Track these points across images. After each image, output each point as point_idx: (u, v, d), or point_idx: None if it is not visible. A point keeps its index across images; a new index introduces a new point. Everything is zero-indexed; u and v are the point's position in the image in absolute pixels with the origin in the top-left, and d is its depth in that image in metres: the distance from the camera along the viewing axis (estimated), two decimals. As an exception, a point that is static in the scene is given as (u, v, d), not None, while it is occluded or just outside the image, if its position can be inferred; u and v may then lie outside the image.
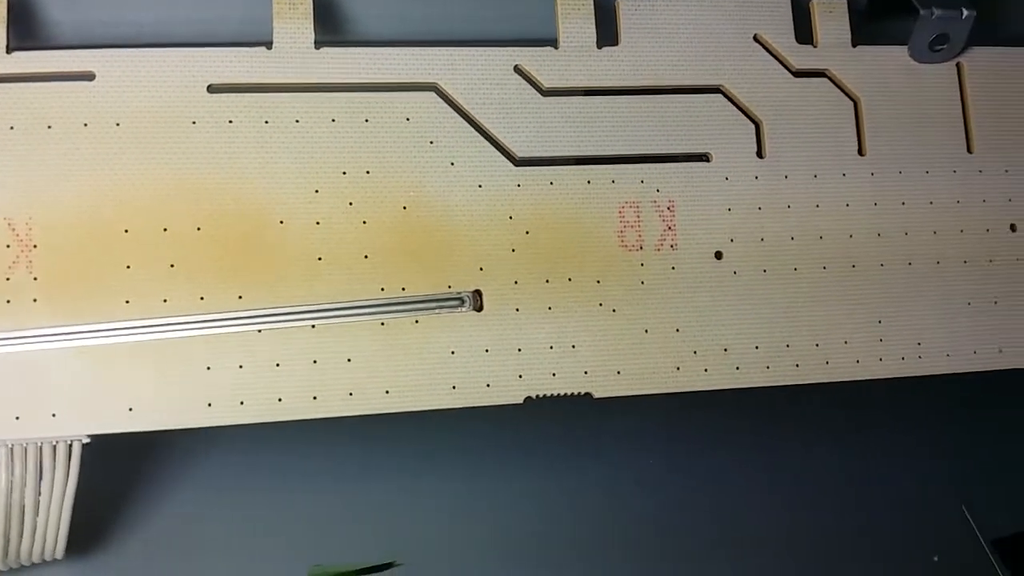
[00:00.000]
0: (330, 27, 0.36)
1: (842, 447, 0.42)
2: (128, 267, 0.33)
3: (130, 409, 0.32)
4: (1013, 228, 0.39)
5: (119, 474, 0.37)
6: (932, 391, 0.41)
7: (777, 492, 0.40)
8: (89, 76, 0.33)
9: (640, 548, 0.38)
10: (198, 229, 0.33)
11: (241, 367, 0.33)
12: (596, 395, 0.35)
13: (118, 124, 0.33)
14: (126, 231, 0.33)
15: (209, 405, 0.33)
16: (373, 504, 0.37)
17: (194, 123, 0.34)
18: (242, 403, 0.33)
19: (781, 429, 0.42)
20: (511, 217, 0.35)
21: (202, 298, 0.33)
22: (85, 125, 0.33)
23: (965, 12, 0.38)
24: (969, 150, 0.39)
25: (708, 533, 0.39)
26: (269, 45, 0.35)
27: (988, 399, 0.44)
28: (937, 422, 0.43)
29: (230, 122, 0.34)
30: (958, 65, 0.40)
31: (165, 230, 0.33)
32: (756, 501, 0.39)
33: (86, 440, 0.32)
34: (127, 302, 0.33)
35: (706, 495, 0.40)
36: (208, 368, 0.33)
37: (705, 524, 0.39)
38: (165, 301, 0.33)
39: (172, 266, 0.33)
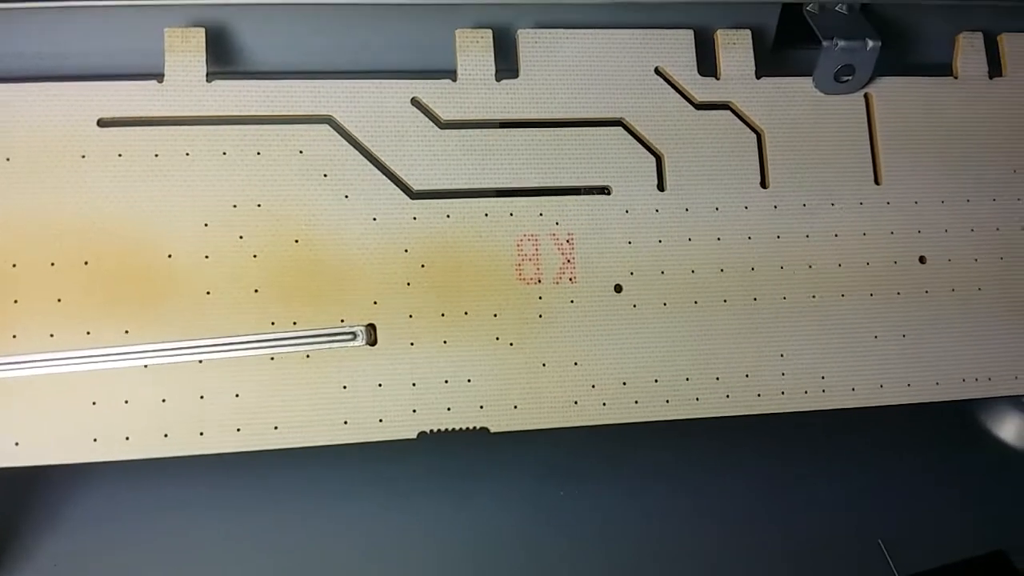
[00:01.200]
0: (224, 59, 0.36)
1: (760, 481, 0.42)
2: (15, 301, 0.33)
3: (16, 443, 0.32)
4: (923, 260, 0.40)
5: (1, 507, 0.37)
6: (852, 427, 0.41)
7: (694, 526, 0.40)
8: (-22, 110, 0.34)
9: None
10: (85, 263, 0.33)
11: (127, 402, 0.33)
12: (493, 429, 0.35)
13: (7, 159, 0.34)
14: (14, 266, 0.33)
15: (95, 440, 0.33)
16: (260, 535, 0.37)
17: (84, 157, 0.34)
18: (127, 439, 0.33)
19: (702, 462, 0.42)
20: (407, 250, 0.35)
21: (88, 333, 0.33)
22: (-25, 159, 0.33)
23: (870, 43, 0.38)
24: (877, 181, 0.40)
25: (618, 567, 0.39)
26: (161, 78, 0.35)
27: (906, 435, 0.44)
28: (855, 459, 0.43)
29: (120, 156, 0.34)
30: (866, 95, 0.40)
31: (53, 264, 0.33)
32: (671, 533, 0.39)
33: (-32, 475, 0.32)
34: (14, 336, 0.33)
35: (621, 527, 0.39)
36: (94, 403, 0.33)
37: (616, 557, 0.39)
38: (52, 336, 0.33)
39: (59, 300, 0.33)
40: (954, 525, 0.41)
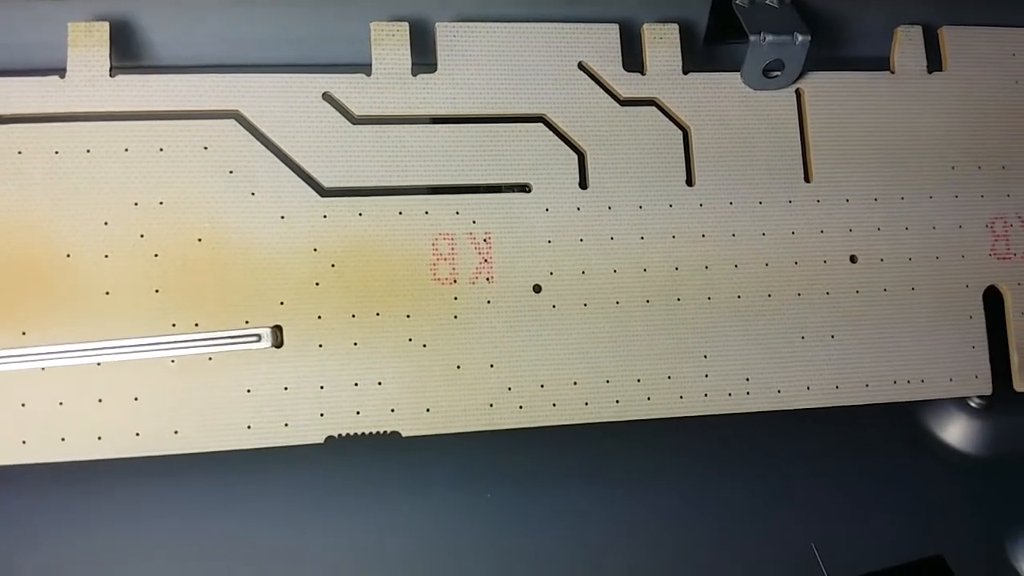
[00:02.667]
0: (129, 54, 0.35)
1: (686, 484, 0.41)
2: (-92, 302, 0.33)
3: (-92, 448, 0.32)
4: (853, 259, 0.39)
5: None
6: (785, 429, 0.41)
7: (619, 530, 0.39)
8: None
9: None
10: (-19, 263, 0.33)
11: (24, 405, 0.33)
12: (404, 434, 0.35)
13: (-98, 154, 0.33)
14: (-92, 265, 0.33)
15: (-11, 445, 0.32)
16: (166, 542, 0.37)
17: (-19, 153, 0.33)
18: (24, 442, 0.33)
19: (627, 465, 0.42)
20: (316, 249, 0.35)
21: (-16, 334, 0.33)
22: None
23: (800, 37, 0.38)
24: (807, 179, 0.39)
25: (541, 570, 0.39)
26: (63, 73, 0.34)
27: (847, 438, 0.43)
28: (789, 461, 0.43)
29: (19, 153, 0.34)
30: (797, 91, 0.40)
31: (-53, 264, 0.33)
32: (597, 534, 0.39)
33: None
34: (-93, 338, 0.32)
35: (542, 530, 0.39)
36: (-12, 407, 0.33)
37: (540, 560, 0.39)
38: (-54, 337, 0.33)
39: (-46, 301, 0.33)
40: (893, 529, 0.41)
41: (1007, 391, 0.41)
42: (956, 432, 0.45)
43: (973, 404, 0.44)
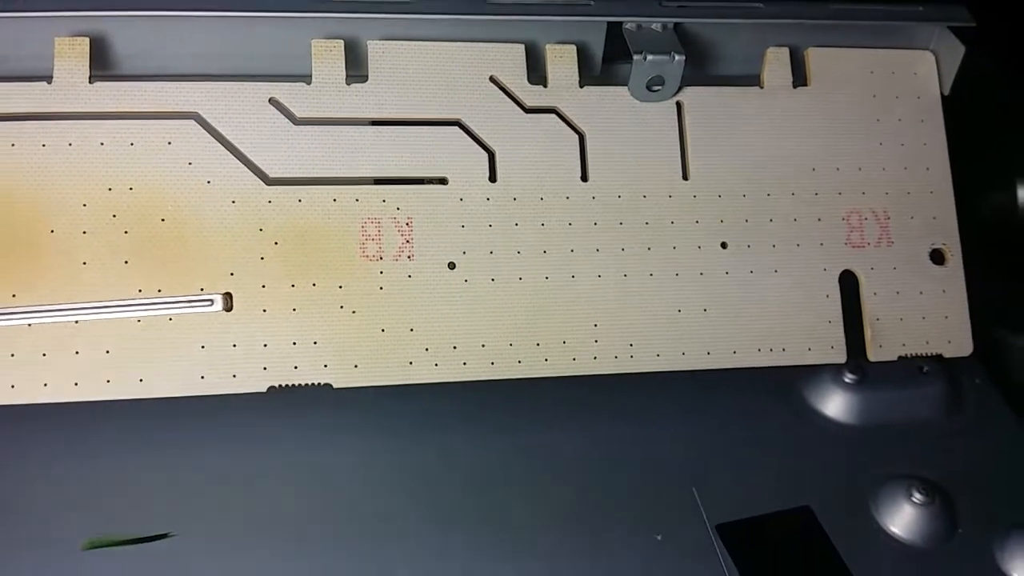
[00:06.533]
0: (105, 64, 0.44)
1: (580, 434, 0.48)
2: (-83, 269, 0.41)
3: (-89, 393, 0.40)
4: (724, 246, 0.48)
5: None
6: (669, 388, 0.48)
7: (518, 473, 0.46)
8: None
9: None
10: (-22, 236, 0.41)
11: (12, 355, 0.41)
12: (335, 385, 0.43)
13: (-89, 147, 0.41)
14: (-85, 238, 0.41)
15: (-18, 389, 0.40)
16: (130, 471, 0.44)
17: (-22, 146, 0.42)
18: (12, 387, 0.41)
19: (532, 416, 0.48)
20: (261, 229, 0.43)
21: (-21, 296, 0.41)
22: None
23: (676, 57, 0.47)
24: (685, 177, 0.48)
25: (447, 514, 0.44)
26: (50, 79, 0.43)
27: (729, 407, 0.50)
28: (681, 425, 0.49)
29: (12, 145, 0.42)
30: (678, 103, 0.49)
31: (-51, 237, 0.41)
32: (498, 480, 0.46)
33: None
34: (-87, 299, 0.40)
35: (456, 480, 0.46)
36: (-18, 357, 0.41)
37: (448, 504, 0.44)
38: (-53, 298, 0.41)
39: (-45, 268, 0.41)
40: (770, 485, 0.46)
41: (877, 374, 0.50)
42: (832, 405, 0.53)
43: (847, 380, 0.52)
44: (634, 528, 0.44)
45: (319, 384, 0.42)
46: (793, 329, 0.47)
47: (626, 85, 0.48)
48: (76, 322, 0.41)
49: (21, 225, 0.41)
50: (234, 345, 0.42)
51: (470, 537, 0.42)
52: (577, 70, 0.47)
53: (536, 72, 0.47)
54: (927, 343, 0.49)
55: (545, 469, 0.46)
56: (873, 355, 0.48)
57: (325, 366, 0.42)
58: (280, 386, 0.42)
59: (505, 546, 0.42)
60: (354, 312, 0.43)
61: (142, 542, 0.41)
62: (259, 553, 0.40)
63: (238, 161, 0.43)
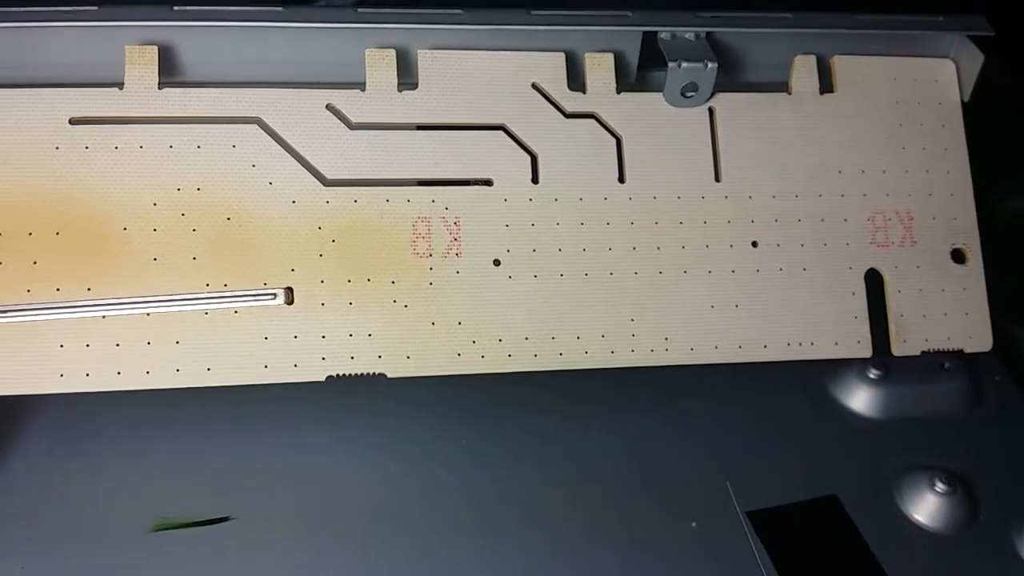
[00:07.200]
0: (172, 71, 0.47)
1: (618, 425, 0.51)
2: (-1, 264, 0.44)
3: (-9, 379, 0.43)
4: (755, 244, 0.51)
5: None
6: (703, 380, 0.51)
7: (555, 462, 0.49)
8: (-27, 110, 0.44)
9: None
10: (57, 234, 0.44)
11: (88, 346, 0.44)
12: (389, 375, 0.46)
13: (-5, 150, 0.44)
14: (-1, 235, 0.44)
15: (61, 376, 0.43)
16: (197, 454, 0.47)
17: (57, 148, 0.45)
18: (87, 375, 0.44)
19: (571, 408, 0.51)
20: (320, 228, 0.46)
21: (58, 289, 0.44)
22: (-32, 150, 0.44)
23: (709, 64, 0.50)
24: (717, 179, 0.51)
25: (489, 508, 0.47)
26: (121, 85, 0.46)
27: (759, 403, 0.53)
28: (703, 408, 0.53)
29: (86, 148, 0.45)
30: (710, 108, 0.52)
31: (29, 234, 0.44)
32: (536, 471, 0.49)
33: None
34: (-6, 292, 0.43)
35: (493, 470, 0.49)
36: (61, 346, 0.44)
37: (486, 498, 0.47)
38: (28, 291, 0.44)
39: (35, 263, 0.44)
40: (798, 476, 0.49)
41: (901, 370, 0.52)
42: (857, 399, 0.55)
43: (872, 376, 0.54)
44: (670, 515, 0.46)
45: (374, 374, 0.45)
46: (821, 324, 0.50)
47: (660, 92, 0.50)
48: (148, 315, 0.44)
49: (96, 223, 0.44)
50: (295, 337, 0.45)
51: (505, 520, 0.45)
52: (614, 77, 0.50)
53: (576, 79, 0.50)
54: (949, 339, 0.51)
55: (583, 457, 0.49)
56: (897, 350, 0.51)
57: (379, 357, 0.45)
58: (337, 375, 0.45)
59: (543, 531, 0.45)
60: (406, 306, 0.46)
61: (205, 525, 0.43)
62: (316, 538, 0.43)
63: (298, 163, 0.46)
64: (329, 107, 0.47)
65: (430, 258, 0.46)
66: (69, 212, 0.44)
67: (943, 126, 0.53)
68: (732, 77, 0.52)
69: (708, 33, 0.51)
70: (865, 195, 0.52)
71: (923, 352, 0.51)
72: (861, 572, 0.45)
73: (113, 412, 0.47)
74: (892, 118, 0.53)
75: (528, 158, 0.48)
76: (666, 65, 0.50)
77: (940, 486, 0.47)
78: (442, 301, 0.46)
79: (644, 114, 0.50)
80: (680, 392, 0.53)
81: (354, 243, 0.46)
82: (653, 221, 0.49)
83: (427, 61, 0.48)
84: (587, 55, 0.50)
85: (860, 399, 0.54)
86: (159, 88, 0.46)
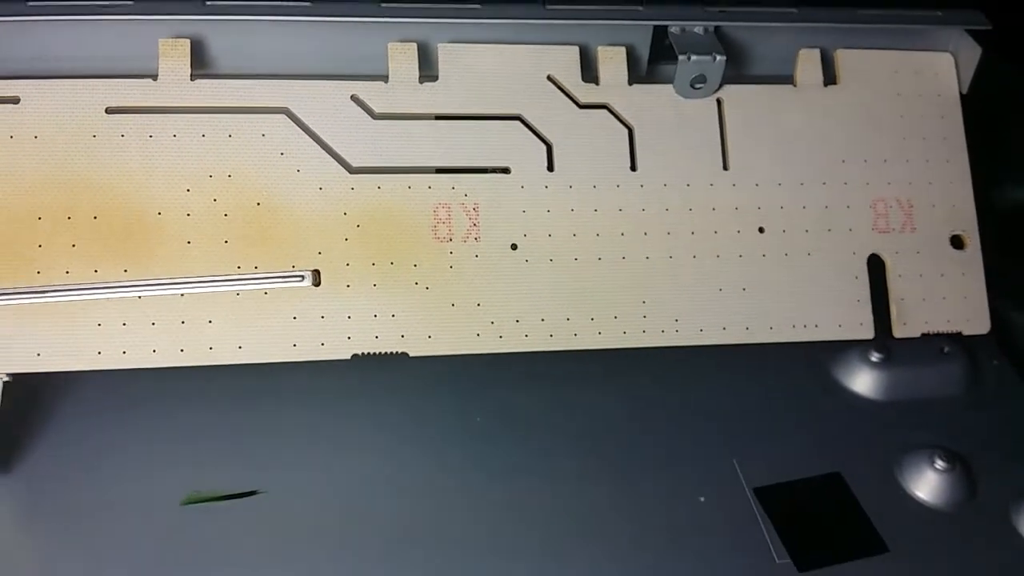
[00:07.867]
0: (204, 63, 0.49)
1: (629, 405, 0.53)
2: (40, 246, 0.46)
3: (38, 354, 0.45)
4: (761, 230, 0.53)
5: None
6: (712, 360, 0.53)
7: (567, 438, 0.51)
8: (15, 100, 0.46)
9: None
10: (95, 218, 0.46)
11: (124, 324, 0.46)
12: (411, 354, 0.48)
13: (36, 137, 0.47)
14: (39, 218, 0.46)
15: (99, 353, 0.46)
16: (242, 436, 0.49)
17: (95, 136, 0.47)
18: (124, 352, 0.46)
19: (585, 384, 0.54)
20: (345, 213, 0.49)
21: (96, 271, 0.46)
22: (11, 137, 0.46)
23: (718, 58, 0.52)
24: (725, 167, 0.53)
25: (502, 482, 0.49)
26: (155, 77, 0.48)
27: (754, 369, 0.56)
28: (711, 387, 0.55)
29: (122, 136, 0.47)
30: (718, 100, 0.54)
31: (69, 218, 0.46)
32: (548, 446, 0.51)
33: (6, 379, 0.45)
34: (38, 272, 0.46)
35: (506, 445, 0.51)
36: (99, 325, 0.46)
37: (499, 472, 0.49)
38: (67, 272, 0.46)
39: (73, 246, 0.46)
40: (802, 454, 0.51)
41: (901, 353, 0.55)
42: (860, 381, 0.57)
43: (873, 359, 0.57)
44: (680, 491, 0.49)
45: (397, 353, 0.47)
46: (825, 307, 0.52)
47: (670, 84, 0.52)
48: (182, 295, 0.46)
49: (132, 208, 0.46)
50: (322, 317, 0.47)
51: (517, 493, 0.48)
52: (626, 69, 0.52)
53: (589, 72, 0.52)
54: (948, 321, 0.53)
55: (595, 434, 0.51)
56: (898, 332, 0.53)
57: (402, 336, 0.48)
58: (362, 354, 0.47)
59: (554, 503, 0.47)
60: (427, 288, 0.48)
61: (235, 498, 0.45)
62: (342, 509, 0.46)
63: (324, 152, 0.48)
64: (354, 98, 0.49)
65: (450, 242, 0.49)
66: (106, 197, 0.46)
67: (942, 117, 0.55)
68: (739, 70, 0.54)
69: (716, 27, 0.53)
70: (867, 183, 0.54)
71: (923, 334, 0.53)
72: (863, 546, 0.47)
73: (147, 388, 0.49)
74: (893, 109, 0.55)
75: (544, 147, 0.50)
76: (676, 58, 0.52)
77: (940, 464, 0.49)
78: (462, 283, 0.48)
79: (655, 105, 0.52)
80: (689, 372, 0.55)
81: (378, 228, 0.48)
82: (664, 208, 0.51)
83: (447, 54, 0.50)
84: (600, 48, 0.52)
85: (863, 381, 0.57)
86: (191, 79, 0.48)
